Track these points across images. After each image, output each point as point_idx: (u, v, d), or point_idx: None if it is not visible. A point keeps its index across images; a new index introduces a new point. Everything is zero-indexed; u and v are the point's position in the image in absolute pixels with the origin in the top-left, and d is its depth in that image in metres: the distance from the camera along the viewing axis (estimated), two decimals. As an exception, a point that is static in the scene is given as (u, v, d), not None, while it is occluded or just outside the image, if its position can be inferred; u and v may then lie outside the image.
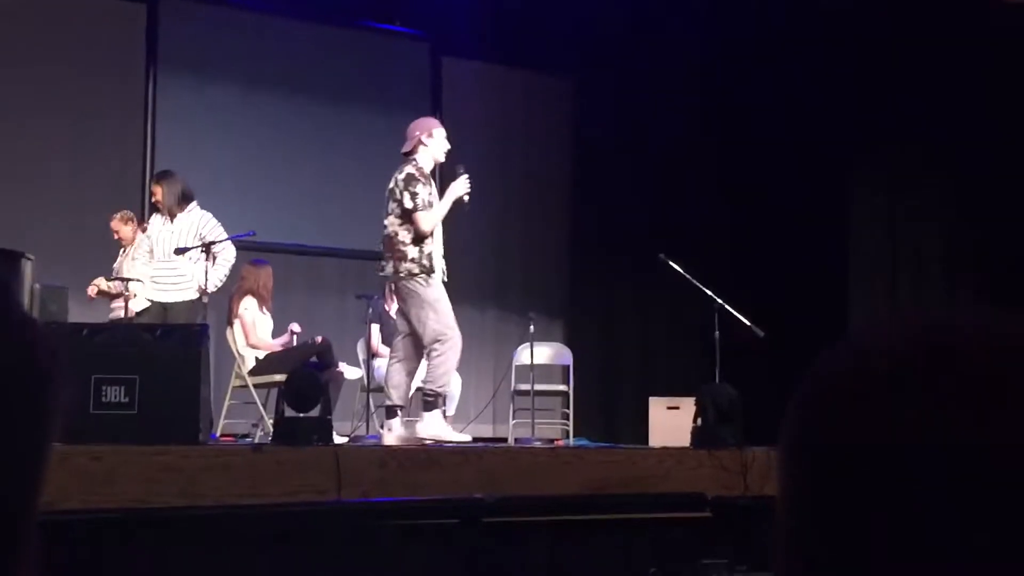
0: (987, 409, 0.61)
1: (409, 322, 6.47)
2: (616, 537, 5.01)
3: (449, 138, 10.26)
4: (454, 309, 8.22)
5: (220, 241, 7.13)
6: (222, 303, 7.87)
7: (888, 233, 9.23)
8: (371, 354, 7.93)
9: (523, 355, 8.78)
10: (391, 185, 6.47)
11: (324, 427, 5.43)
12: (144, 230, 7.58)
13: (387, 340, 8.04)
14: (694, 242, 8.89)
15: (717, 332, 7.21)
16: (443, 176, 6.69)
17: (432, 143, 6.56)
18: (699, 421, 6.32)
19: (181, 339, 5.61)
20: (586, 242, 10.61)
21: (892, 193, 9.26)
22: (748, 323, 7.18)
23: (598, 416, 9.76)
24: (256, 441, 6.83)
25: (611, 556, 4.94)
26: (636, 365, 10.28)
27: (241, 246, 7.96)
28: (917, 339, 0.66)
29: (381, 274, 6.59)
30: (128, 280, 7.44)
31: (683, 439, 6.54)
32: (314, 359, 7.38)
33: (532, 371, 8.55)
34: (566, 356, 9.22)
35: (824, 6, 8.58)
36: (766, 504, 5.26)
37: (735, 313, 7.23)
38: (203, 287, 7.07)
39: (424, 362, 6.89)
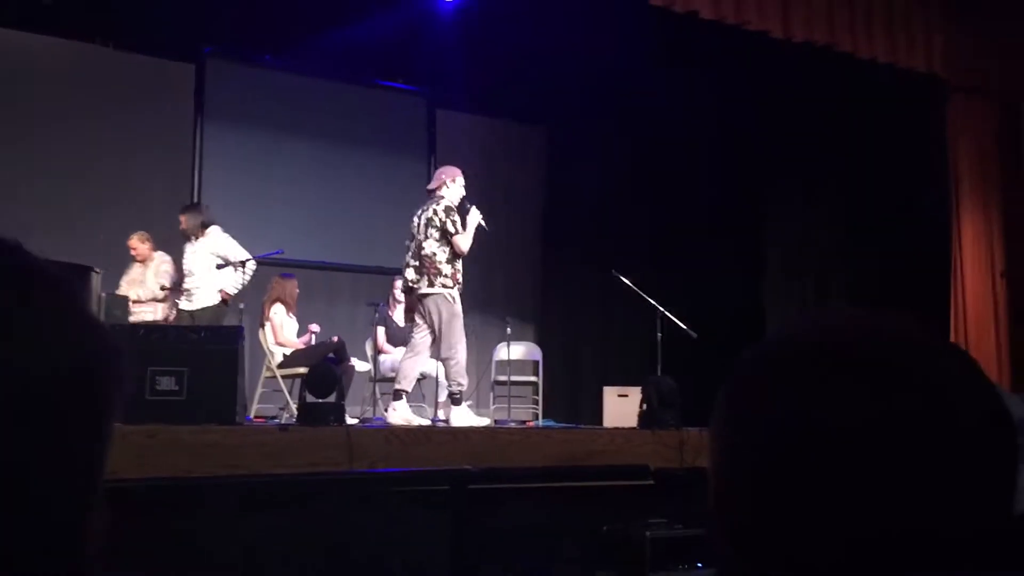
0: (878, 388, 0.63)
1: (431, 326, 6.44)
2: (576, 501, 5.01)
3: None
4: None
5: (249, 259, 7.11)
6: (255, 309, 7.85)
7: (798, 241, 9.27)
8: (377, 351, 7.91)
9: (501, 352, 8.78)
10: (429, 215, 6.44)
11: (339, 411, 5.41)
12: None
13: (391, 339, 8.02)
14: (644, 258, 8.90)
15: (660, 334, 7.22)
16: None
17: (454, 187, 6.63)
18: (644, 406, 6.32)
19: (222, 338, 5.59)
20: (554, 260, 10.64)
21: (802, 206, 9.31)
22: (684, 327, 7.20)
23: (562, 402, 9.76)
24: (283, 422, 6.80)
25: (572, 516, 4.95)
26: (593, 360, 10.28)
27: (272, 262, 7.95)
28: (823, 337, 0.67)
29: (413, 287, 6.49)
30: (170, 289, 7.45)
31: (631, 421, 6.55)
32: (331, 355, 7.36)
33: (508, 365, 8.55)
34: (536, 353, 9.23)
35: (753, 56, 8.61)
36: (699, 474, 5.27)
37: (674, 319, 7.25)
38: (225, 293, 7.05)
39: (432, 360, 6.91)
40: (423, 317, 6.49)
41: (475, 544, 4.49)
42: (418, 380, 7.91)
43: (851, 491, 0.62)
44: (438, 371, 7.73)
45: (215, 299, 7.10)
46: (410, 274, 6.48)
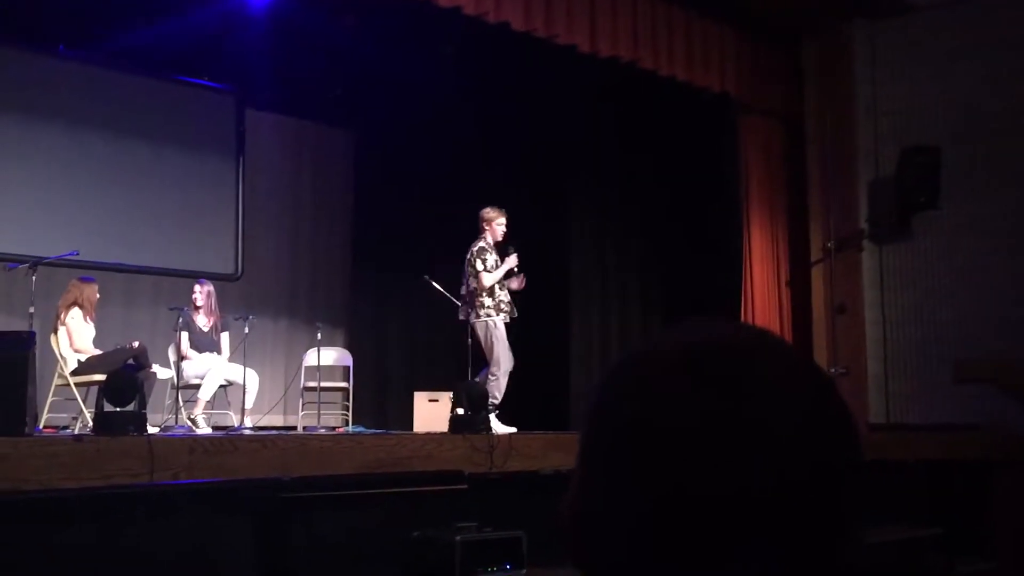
0: (741, 394, 0.67)
1: (480, 349, 7.14)
2: (388, 507, 4.98)
3: (249, 178, 10.04)
4: (254, 321, 8.04)
5: None
6: (46, 313, 7.39)
7: (600, 250, 9.56)
8: (180, 357, 7.60)
9: (311, 358, 8.63)
10: (469, 256, 7.22)
11: (139, 420, 5.18)
12: None
13: (195, 345, 7.73)
14: (454, 263, 8.90)
15: (470, 339, 7.29)
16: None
17: (494, 227, 7.33)
18: (455, 411, 6.35)
19: (10, 344, 5.22)
20: (365, 266, 10.52)
21: (604, 216, 9.62)
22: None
23: (372, 407, 9.68)
24: (77, 432, 6.42)
25: (384, 523, 4.91)
26: (404, 365, 10.25)
27: (66, 264, 7.53)
28: (689, 346, 0.71)
29: (464, 319, 7.25)
30: None
31: (442, 426, 6.57)
32: (131, 361, 7.00)
33: (319, 371, 8.42)
34: (347, 358, 9.11)
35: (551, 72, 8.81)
36: (510, 478, 5.35)
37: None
38: None
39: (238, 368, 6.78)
40: (475, 342, 7.18)
41: (286, 554, 4.39)
42: (223, 387, 7.69)
43: (695, 490, 0.66)
44: (245, 379, 7.53)
45: None
46: (463, 308, 7.30)
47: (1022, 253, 7.92)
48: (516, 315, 7.28)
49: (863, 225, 8.66)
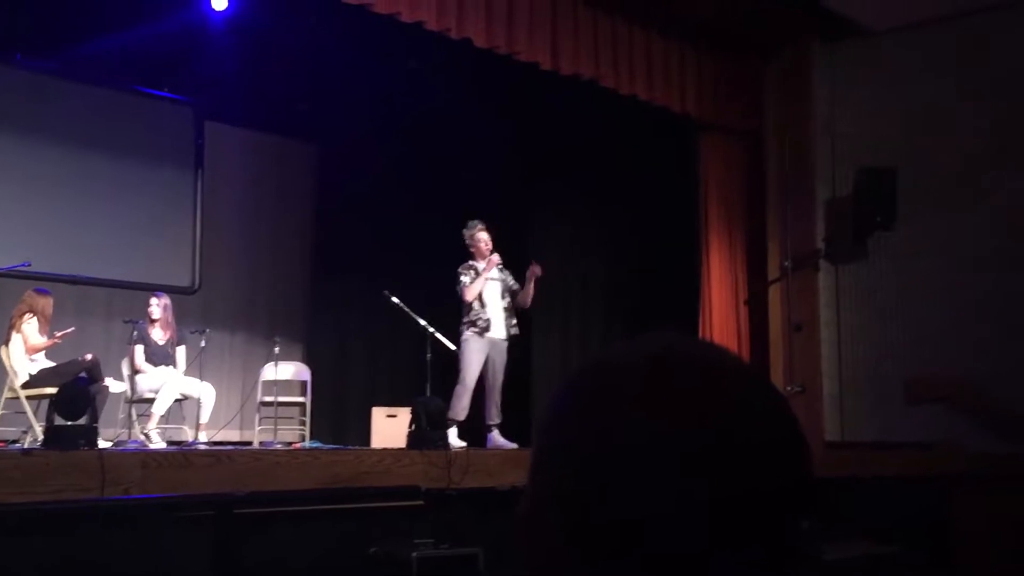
0: (699, 407, 0.67)
1: None
2: (344, 523, 4.93)
3: (208, 191, 9.95)
4: (210, 335, 7.94)
5: None
6: (-1, 324, 7.26)
7: (562, 266, 9.55)
8: (134, 370, 7.49)
9: (268, 372, 8.55)
10: None
11: (91, 434, 5.09)
12: None
13: (151, 358, 7.61)
14: (415, 279, 8.86)
15: (429, 354, 7.25)
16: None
17: (474, 242, 7.40)
18: (413, 427, 6.32)
19: (-42, 356, 5.12)
20: (324, 279, 10.46)
21: (566, 233, 9.64)
22: (453, 347, 7.26)
23: (330, 422, 9.60)
24: (26, 446, 6.30)
25: (340, 539, 4.86)
26: (362, 380, 10.19)
27: (17, 275, 7.39)
28: (647, 357, 0.71)
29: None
30: None
31: (400, 441, 6.52)
32: (83, 374, 6.88)
33: (276, 385, 8.33)
34: (305, 373, 9.04)
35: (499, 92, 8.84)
36: (467, 494, 5.31)
37: (443, 339, 7.30)
38: None
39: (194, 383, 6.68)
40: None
41: (240, 570, 4.32)
42: (178, 401, 7.58)
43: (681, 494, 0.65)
44: (200, 393, 7.43)
45: None
46: None
47: (975, 274, 8.04)
48: (512, 332, 7.29)
49: (820, 244, 8.75)
